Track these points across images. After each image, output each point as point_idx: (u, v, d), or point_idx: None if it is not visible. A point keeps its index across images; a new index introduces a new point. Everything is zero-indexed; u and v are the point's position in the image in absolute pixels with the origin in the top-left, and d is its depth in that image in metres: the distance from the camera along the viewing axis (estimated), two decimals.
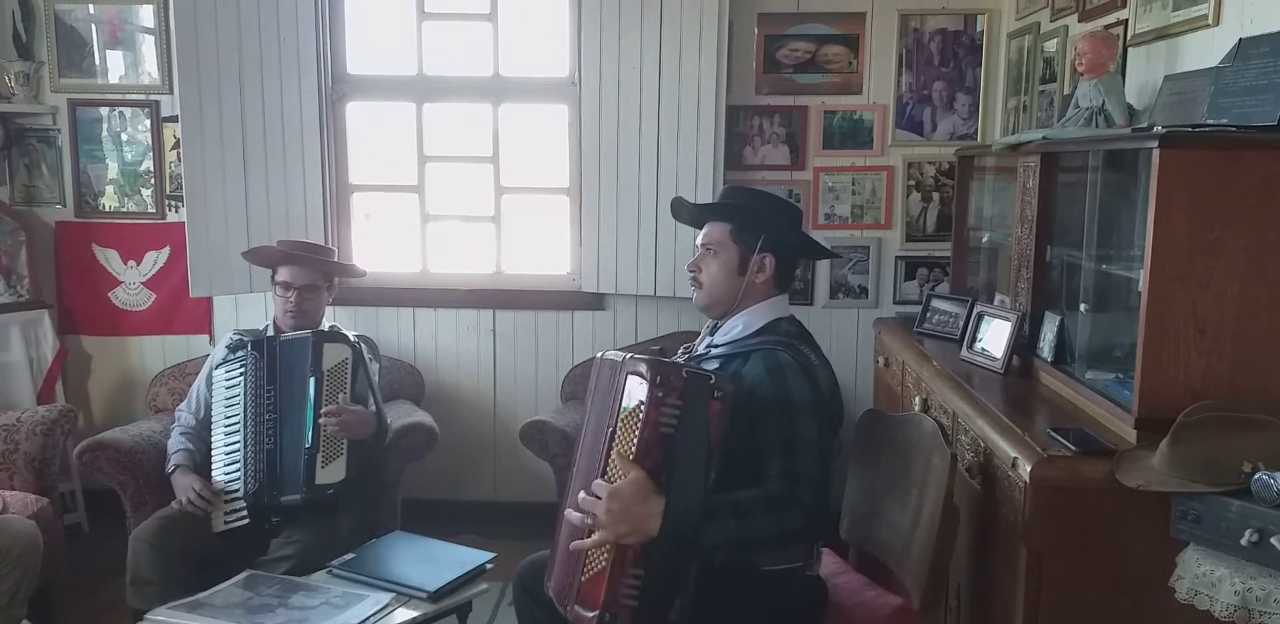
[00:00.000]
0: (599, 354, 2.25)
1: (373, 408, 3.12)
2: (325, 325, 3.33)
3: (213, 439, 3.12)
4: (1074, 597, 2.05)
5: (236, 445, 3.04)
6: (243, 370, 3.09)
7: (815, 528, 2.11)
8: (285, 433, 3.01)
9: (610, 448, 2.01)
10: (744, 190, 2.52)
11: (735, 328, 2.30)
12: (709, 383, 1.96)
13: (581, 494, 2.00)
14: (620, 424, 1.99)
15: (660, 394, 1.92)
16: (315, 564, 2.74)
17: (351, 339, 3.13)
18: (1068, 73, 3.25)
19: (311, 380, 3.01)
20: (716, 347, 2.30)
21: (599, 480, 1.99)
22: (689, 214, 2.44)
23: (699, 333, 2.50)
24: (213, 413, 3.16)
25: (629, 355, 2.06)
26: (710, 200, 2.49)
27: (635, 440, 1.94)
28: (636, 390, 1.97)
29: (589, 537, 1.97)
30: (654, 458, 1.94)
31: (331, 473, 2.95)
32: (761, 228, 2.29)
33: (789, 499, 2.01)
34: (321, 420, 2.95)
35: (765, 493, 2.02)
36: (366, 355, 3.19)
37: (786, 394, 2.10)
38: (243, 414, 3.05)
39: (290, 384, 3.05)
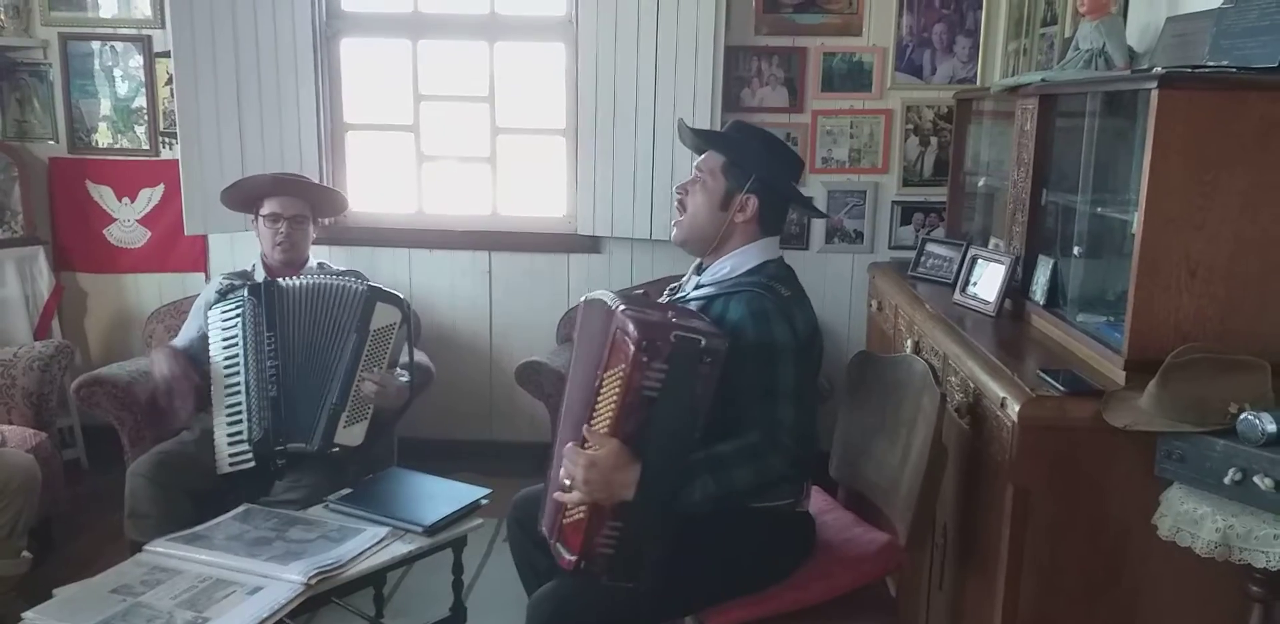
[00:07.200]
0: (585, 295, 2.23)
1: (406, 379, 3.08)
2: (313, 262, 3.30)
3: (211, 381, 3.02)
4: (1058, 533, 2.08)
5: (237, 388, 2.96)
6: (239, 312, 2.99)
7: (801, 469, 2.12)
8: (300, 381, 2.94)
9: (595, 405, 1.99)
10: (750, 128, 2.40)
11: (723, 269, 2.27)
12: (699, 347, 1.88)
13: (567, 453, 2.01)
14: (604, 383, 1.96)
15: (645, 359, 1.86)
16: (316, 503, 2.76)
17: (404, 302, 3.05)
18: (1069, 15, 3.21)
19: (354, 337, 2.95)
20: (702, 286, 2.28)
21: (574, 446, 1.99)
22: (690, 139, 2.38)
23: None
24: (210, 352, 3.04)
25: (621, 307, 1.98)
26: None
27: (615, 403, 1.92)
28: (623, 348, 1.91)
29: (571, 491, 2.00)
30: (635, 421, 1.92)
31: (351, 436, 2.94)
32: (754, 167, 2.23)
33: (768, 446, 2.02)
34: (362, 383, 2.93)
35: (743, 444, 2.03)
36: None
37: (769, 340, 2.08)
38: (242, 362, 2.96)
39: (314, 331, 2.96)
